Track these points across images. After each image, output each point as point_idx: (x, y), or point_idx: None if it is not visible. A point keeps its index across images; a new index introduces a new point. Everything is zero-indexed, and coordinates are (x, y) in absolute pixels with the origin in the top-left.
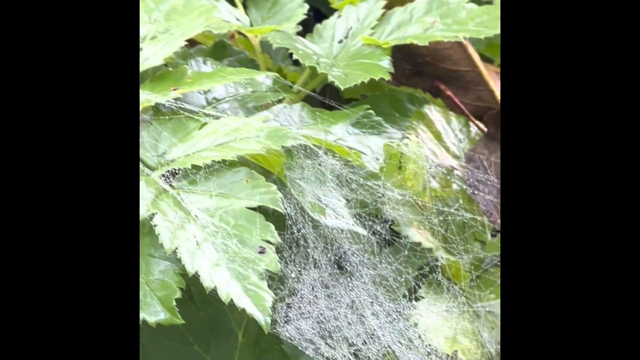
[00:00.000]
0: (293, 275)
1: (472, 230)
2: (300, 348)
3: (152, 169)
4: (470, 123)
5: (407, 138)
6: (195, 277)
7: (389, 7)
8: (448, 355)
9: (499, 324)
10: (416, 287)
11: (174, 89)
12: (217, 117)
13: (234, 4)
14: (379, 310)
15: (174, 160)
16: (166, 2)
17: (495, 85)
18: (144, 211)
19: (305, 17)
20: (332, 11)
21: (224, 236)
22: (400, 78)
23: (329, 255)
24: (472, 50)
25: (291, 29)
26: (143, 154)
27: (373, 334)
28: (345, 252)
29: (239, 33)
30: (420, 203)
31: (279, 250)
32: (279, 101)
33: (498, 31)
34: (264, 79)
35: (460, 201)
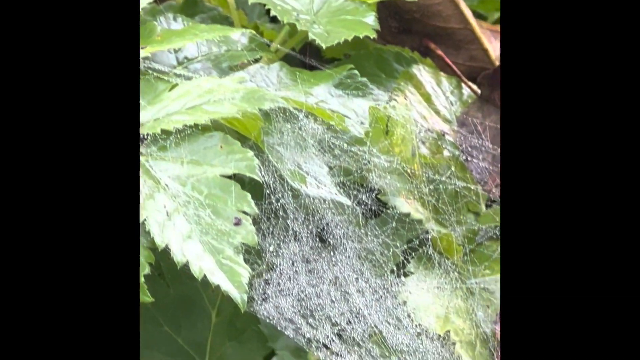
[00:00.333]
0: (271, 249)
1: (465, 200)
2: (279, 328)
3: None
4: (463, 84)
5: (394, 100)
6: (165, 251)
7: None
8: (439, 335)
9: (495, 301)
10: (405, 261)
11: (142, 48)
12: (189, 78)
13: None
14: (365, 287)
15: (142, 124)
16: None
17: (489, 43)
18: None
19: None
20: None
21: (197, 206)
22: (387, 36)
23: (310, 227)
24: (464, 6)
25: None
26: None
27: (358, 313)
28: (328, 224)
29: None
30: (408, 171)
31: (256, 222)
32: (256, 61)
33: None
34: (239, 36)
35: (452, 169)
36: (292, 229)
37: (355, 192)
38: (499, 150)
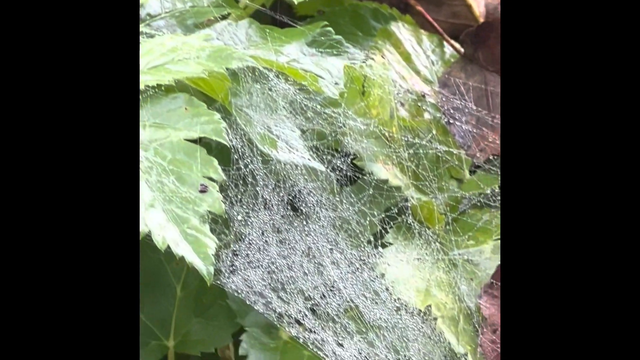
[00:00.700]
0: (240, 218)
1: (447, 166)
2: (248, 303)
3: None
4: (445, 43)
5: (371, 59)
6: None
7: None
8: (420, 310)
9: (480, 274)
10: (383, 231)
11: None
12: (152, 36)
13: None
14: (340, 259)
15: None
16: None
17: None
18: None
19: None
20: None
21: (160, 173)
22: None
23: (281, 194)
24: None
25: None
26: None
27: (333, 286)
28: (300, 191)
29: None
30: (386, 134)
31: (223, 189)
32: (223, 17)
33: None
34: None
35: (433, 132)
36: (262, 197)
37: (329, 157)
38: (483, 112)
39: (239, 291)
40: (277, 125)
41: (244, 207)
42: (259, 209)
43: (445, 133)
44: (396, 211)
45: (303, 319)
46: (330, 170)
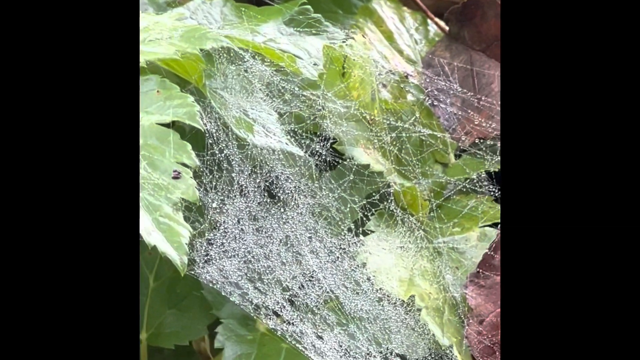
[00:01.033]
0: (215, 205)
1: (432, 150)
2: (223, 294)
3: None
4: (429, 21)
5: (352, 39)
6: None
7: None
8: (403, 301)
9: (465, 262)
10: (364, 219)
11: None
12: None
13: None
14: (319, 248)
15: None
16: None
17: None
18: None
19: None
20: None
21: None
22: None
23: (257, 180)
24: None
25: None
26: None
27: (312, 276)
28: (278, 177)
29: None
30: (368, 117)
31: (197, 175)
32: None
33: None
34: None
35: (417, 114)
36: (238, 183)
37: (308, 142)
38: (468, 93)
39: (214, 282)
40: (254, 109)
41: (219, 194)
42: (235, 195)
43: (429, 115)
44: (378, 197)
45: (281, 311)
46: (309, 155)
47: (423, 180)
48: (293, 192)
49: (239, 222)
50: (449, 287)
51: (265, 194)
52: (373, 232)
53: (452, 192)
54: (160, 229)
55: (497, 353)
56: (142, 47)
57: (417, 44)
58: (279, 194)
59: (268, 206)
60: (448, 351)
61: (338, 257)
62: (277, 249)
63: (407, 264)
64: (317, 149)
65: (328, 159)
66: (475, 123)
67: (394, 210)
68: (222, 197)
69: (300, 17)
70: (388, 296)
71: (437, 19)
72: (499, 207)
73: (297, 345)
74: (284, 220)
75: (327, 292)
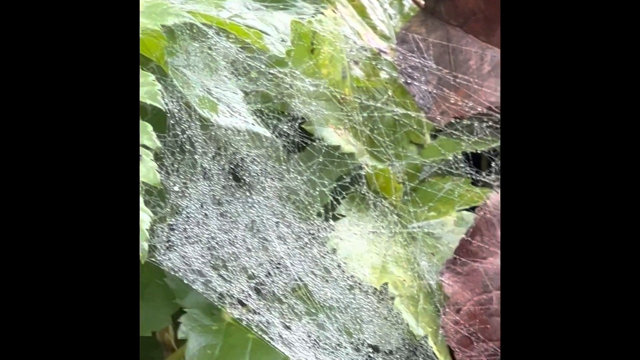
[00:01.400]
0: (176, 189)
1: (406, 130)
2: (186, 282)
3: None
4: None
5: (322, 14)
6: None
7: None
8: (375, 289)
9: (442, 248)
10: (334, 202)
11: None
12: None
13: None
14: (287, 233)
15: None
16: None
17: None
18: None
19: None
20: None
21: None
22: None
23: (222, 163)
24: None
25: None
26: None
27: (279, 263)
28: (243, 159)
29: None
30: (338, 96)
31: (158, 157)
32: None
33: None
34: None
35: (390, 93)
36: (201, 166)
37: (275, 122)
38: (444, 70)
39: (176, 269)
40: (218, 87)
41: (181, 177)
42: (198, 179)
43: (403, 94)
44: (349, 180)
45: (247, 300)
46: (276, 136)
47: (397, 162)
48: (259, 174)
49: (202, 206)
50: (424, 274)
51: (230, 177)
52: (344, 216)
53: (428, 175)
54: None
55: (475, 343)
56: None
57: (391, 19)
58: (245, 177)
59: (233, 190)
60: (423, 342)
61: (307, 243)
62: (243, 235)
63: (380, 250)
64: (284, 130)
65: (296, 140)
66: (452, 102)
67: (366, 194)
68: (184, 181)
69: None
70: (359, 284)
71: None
72: (477, 190)
73: (264, 335)
74: (249, 205)
75: (295, 280)
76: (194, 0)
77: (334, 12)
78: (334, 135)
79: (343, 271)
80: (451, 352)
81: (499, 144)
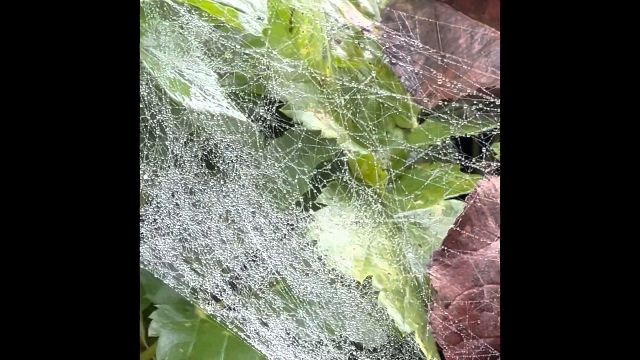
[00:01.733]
0: (146, 177)
1: (390, 113)
2: (156, 276)
3: None
4: None
5: None
6: None
7: None
8: (359, 283)
9: (429, 239)
10: (314, 191)
11: None
12: None
13: None
14: (264, 224)
15: None
16: None
17: None
18: None
19: None
20: None
21: None
22: None
23: (194, 149)
24: None
25: None
26: None
27: (256, 256)
28: (217, 145)
29: None
30: (318, 77)
31: None
32: None
33: None
34: None
35: (374, 74)
36: (172, 152)
37: (251, 105)
38: (432, 50)
39: (146, 263)
40: (190, 69)
41: (151, 164)
42: (169, 166)
43: (388, 75)
44: (330, 167)
45: (221, 295)
46: (252, 121)
47: (381, 148)
48: (234, 162)
49: (173, 195)
50: (411, 267)
51: (203, 165)
52: (325, 206)
53: (414, 161)
54: None
55: (465, 340)
56: None
57: None
58: (219, 164)
59: (206, 178)
60: (409, 339)
61: (285, 235)
62: (217, 226)
63: (363, 242)
64: (261, 114)
65: (274, 125)
66: (440, 83)
67: (348, 182)
68: (154, 168)
69: None
70: (341, 278)
71: None
72: (467, 177)
73: (240, 333)
74: (224, 194)
75: (273, 274)
76: None
77: None
78: (313, 120)
79: (324, 264)
80: (439, 350)
81: (489, 127)
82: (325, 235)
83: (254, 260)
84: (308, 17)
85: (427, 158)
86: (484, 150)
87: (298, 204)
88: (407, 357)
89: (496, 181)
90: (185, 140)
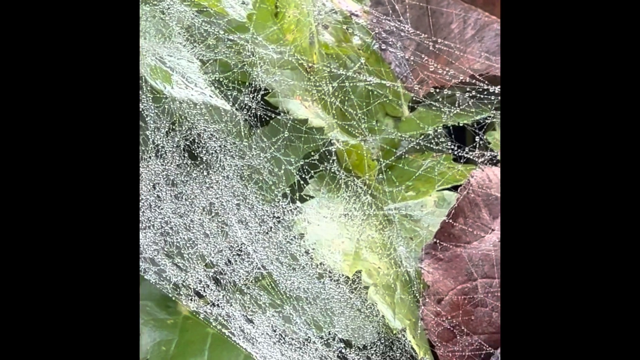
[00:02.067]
0: None
1: (381, 101)
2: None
3: None
4: None
5: None
6: None
7: None
8: (348, 278)
9: (421, 232)
10: (301, 182)
11: None
12: None
13: None
14: (249, 216)
15: None
16: None
17: None
18: None
19: None
20: None
21: None
22: None
23: (176, 139)
24: None
25: None
26: None
27: (241, 250)
28: (200, 135)
29: None
30: (305, 64)
31: None
32: None
33: None
34: None
35: (363, 60)
36: (153, 142)
37: (235, 93)
38: (423, 35)
39: None
40: (172, 56)
41: None
42: (150, 157)
43: (377, 62)
44: (318, 158)
45: (204, 291)
46: (237, 109)
47: (370, 137)
48: (218, 152)
49: (154, 187)
50: (402, 261)
51: (186, 155)
52: (312, 197)
53: (405, 151)
54: None
55: (458, 337)
56: None
57: None
58: (202, 155)
59: (189, 169)
60: (400, 335)
61: (271, 227)
62: (200, 219)
63: (353, 235)
64: (246, 102)
65: (259, 114)
66: (431, 70)
67: (337, 172)
68: None
69: None
70: (330, 272)
71: None
72: (460, 167)
73: (224, 330)
74: (207, 185)
75: (259, 269)
76: None
77: None
78: (300, 108)
79: (311, 258)
80: (432, 347)
81: (483, 115)
82: (313, 228)
83: (238, 255)
84: (294, 1)
85: (418, 148)
86: (477, 139)
87: (284, 195)
88: (398, 355)
89: (490, 171)
90: (167, 129)
